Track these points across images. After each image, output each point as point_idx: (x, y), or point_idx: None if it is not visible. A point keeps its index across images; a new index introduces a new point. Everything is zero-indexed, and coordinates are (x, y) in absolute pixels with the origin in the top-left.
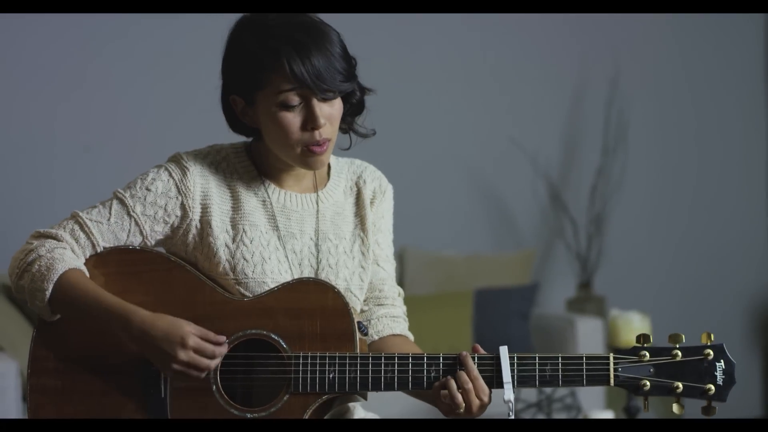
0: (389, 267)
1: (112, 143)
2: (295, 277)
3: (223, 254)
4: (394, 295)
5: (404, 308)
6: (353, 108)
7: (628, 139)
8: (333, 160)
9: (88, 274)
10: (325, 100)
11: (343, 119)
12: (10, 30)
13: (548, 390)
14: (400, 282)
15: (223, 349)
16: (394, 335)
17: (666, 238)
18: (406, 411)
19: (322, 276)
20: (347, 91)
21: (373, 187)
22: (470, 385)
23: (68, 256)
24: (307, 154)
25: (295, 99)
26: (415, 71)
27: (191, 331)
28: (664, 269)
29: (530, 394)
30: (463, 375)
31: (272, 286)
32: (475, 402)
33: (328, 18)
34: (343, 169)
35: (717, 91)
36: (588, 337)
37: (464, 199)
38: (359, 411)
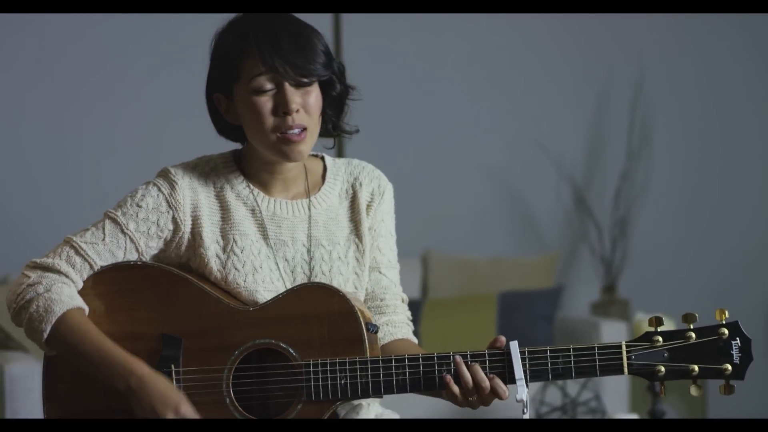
0: (392, 273)
1: (129, 146)
2: (287, 284)
3: (214, 265)
4: (396, 302)
5: (408, 313)
6: (333, 101)
7: (652, 142)
8: (329, 161)
9: (86, 309)
10: (298, 86)
11: (324, 115)
12: (21, 30)
13: (573, 393)
14: (424, 285)
15: None
16: (395, 340)
17: (690, 241)
18: (429, 412)
19: None
20: (321, 76)
21: (370, 189)
22: (475, 397)
23: (66, 294)
24: (283, 142)
25: (267, 84)
26: (439, 74)
27: (188, 403)
28: (689, 272)
29: (555, 397)
30: (467, 383)
31: (264, 294)
32: (488, 401)
33: (351, 18)
34: (339, 171)
35: (741, 95)
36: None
37: (488, 202)
38: (376, 407)
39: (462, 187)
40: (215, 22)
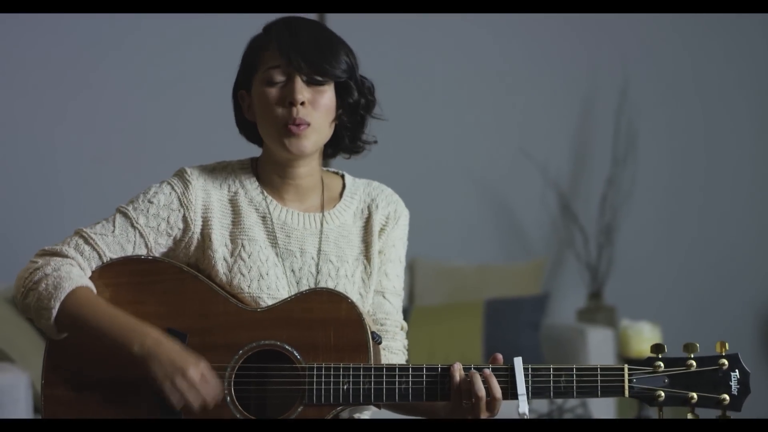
0: (395, 300)
1: (119, 153)
2: (293, 293)
3: (220, 267)
4: (395, 329)
5: (405, 342)
6: (349, 109)
7: (637, 149)
8: (349, 180)
9: (95, 290)
10: (310, 83)
11: (340, 122)
12: (13, 32)
13: (559, 400)
14: (411, 292)
15: (220, 396)
16: None
17: (676, 248)
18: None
19: None
20: (336, 77)
21: (386, 212)
22: (482, 397)
23: (75, 274)
24: (284, 134)
25: (279, 76)
26: (424, 81)
27: (205, 361)
28: (675, 279)
29: (541, 404)
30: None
31: (268, 302)
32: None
33: (335, 20)
34: (357, 191)
35: (727, 100)
36: (599, 348)
37: (474, 210)
38: (368, 414)
39: (448, 195)
40: (212, 28)
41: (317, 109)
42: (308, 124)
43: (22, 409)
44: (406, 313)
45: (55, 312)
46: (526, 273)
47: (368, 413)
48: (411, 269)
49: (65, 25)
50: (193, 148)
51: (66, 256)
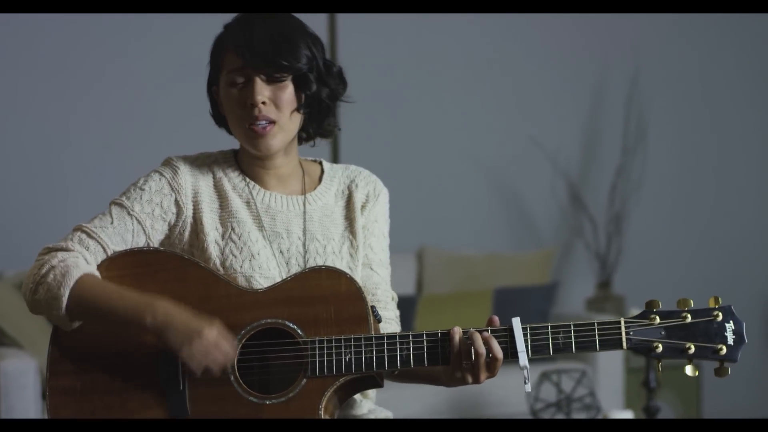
0: (383, 271)
1: (128, 144)
2: (283, 274)
3: (213, 250)
4: (387, 299)
5: (397, 312)
6: (309, 100)
7: (647, 137)
8: (327, 166)
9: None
10: (269, 81)
11: (302, 112)
12: (25, 30)
13: (567, 389)
14: (419, 281)
15: (234, 353)
16: None
17: (685, 238)
18: (422, 410)
19: None
20: (293, 71)
21: (366, 191)
22: (482, 354)
23: (81, 263)
24: (250, 134)
25: (239, 78)
26: (434, 71)
27: (219, 321)
28: (684, 268)
29: (549, 393)
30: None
31: (261, 281)
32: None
33: (347, 17)
34: (336, 174)
35: (736, 90)
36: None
37: (483, 199)
38: (369, 403)
39: (457, 183)
40: (216, 21)
41: (279, 106)
42: (273, 122)
43: (30, 395)
44: (415, 301)
45: (65, 300)
46: (535, 262)
47: (373, 395)
48: (420, 257)
49: (82, 21)
50: (200, 140)
51: (71, 251)
